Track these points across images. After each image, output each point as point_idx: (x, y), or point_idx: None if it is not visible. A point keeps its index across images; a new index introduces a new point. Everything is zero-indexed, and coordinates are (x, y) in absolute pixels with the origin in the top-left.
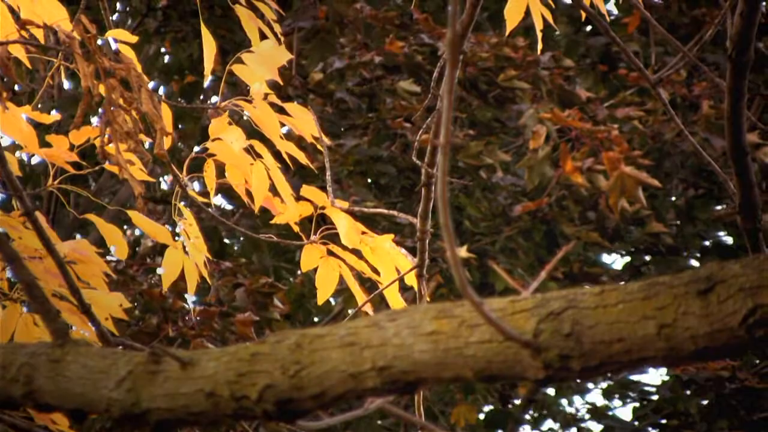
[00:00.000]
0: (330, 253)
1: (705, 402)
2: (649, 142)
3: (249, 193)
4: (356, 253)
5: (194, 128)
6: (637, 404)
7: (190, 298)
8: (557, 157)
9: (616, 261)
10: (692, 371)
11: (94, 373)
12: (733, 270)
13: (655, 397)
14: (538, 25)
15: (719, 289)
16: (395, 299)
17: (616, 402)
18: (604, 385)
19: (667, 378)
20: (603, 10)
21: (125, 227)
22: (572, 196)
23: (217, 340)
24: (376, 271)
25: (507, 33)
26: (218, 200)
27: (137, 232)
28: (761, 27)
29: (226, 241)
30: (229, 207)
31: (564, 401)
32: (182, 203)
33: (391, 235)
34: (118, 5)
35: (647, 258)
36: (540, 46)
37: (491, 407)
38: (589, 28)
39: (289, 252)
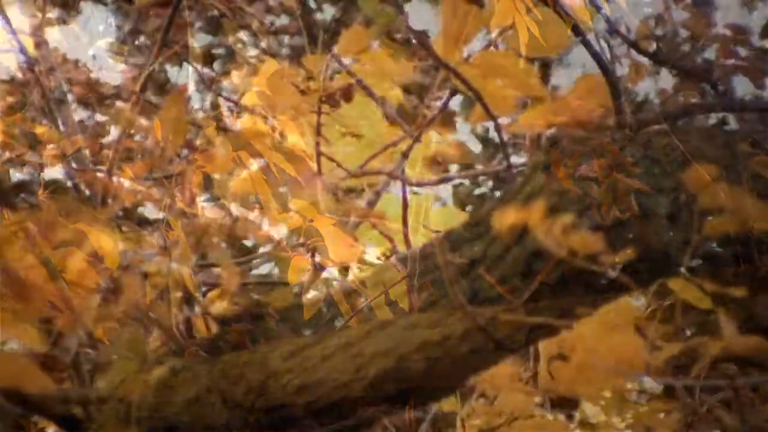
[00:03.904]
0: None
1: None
2: (640, 150)
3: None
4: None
5: (182, 137)
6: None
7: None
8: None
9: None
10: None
11: None
12: None
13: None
14: (523, 39)
15: None
16: (383, 312)
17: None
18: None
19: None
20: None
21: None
22: None
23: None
24: (363, 283)
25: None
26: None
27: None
28: None
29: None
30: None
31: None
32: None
33: (380, 249)
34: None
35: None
36: (523, 61)
37: None
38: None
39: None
